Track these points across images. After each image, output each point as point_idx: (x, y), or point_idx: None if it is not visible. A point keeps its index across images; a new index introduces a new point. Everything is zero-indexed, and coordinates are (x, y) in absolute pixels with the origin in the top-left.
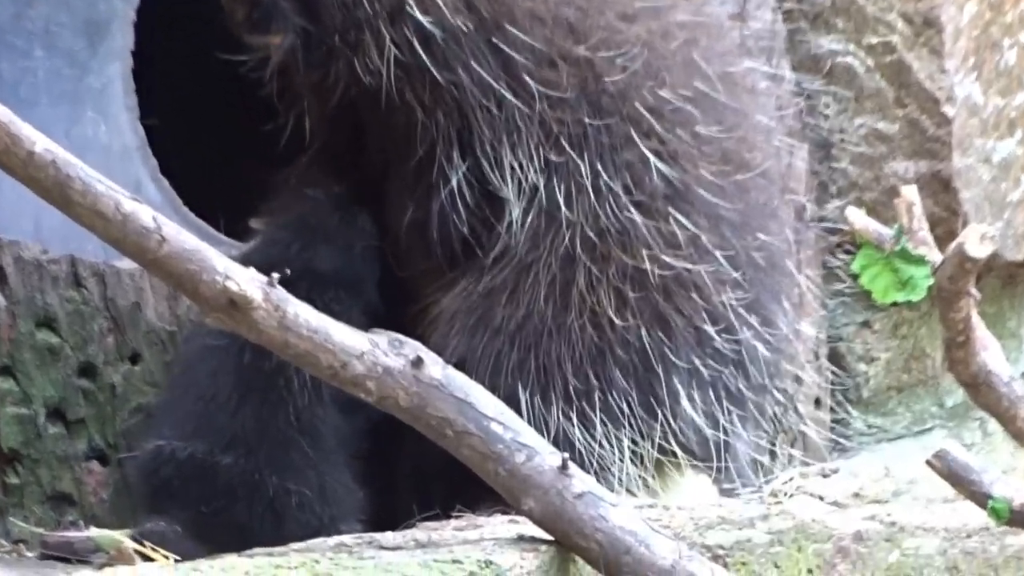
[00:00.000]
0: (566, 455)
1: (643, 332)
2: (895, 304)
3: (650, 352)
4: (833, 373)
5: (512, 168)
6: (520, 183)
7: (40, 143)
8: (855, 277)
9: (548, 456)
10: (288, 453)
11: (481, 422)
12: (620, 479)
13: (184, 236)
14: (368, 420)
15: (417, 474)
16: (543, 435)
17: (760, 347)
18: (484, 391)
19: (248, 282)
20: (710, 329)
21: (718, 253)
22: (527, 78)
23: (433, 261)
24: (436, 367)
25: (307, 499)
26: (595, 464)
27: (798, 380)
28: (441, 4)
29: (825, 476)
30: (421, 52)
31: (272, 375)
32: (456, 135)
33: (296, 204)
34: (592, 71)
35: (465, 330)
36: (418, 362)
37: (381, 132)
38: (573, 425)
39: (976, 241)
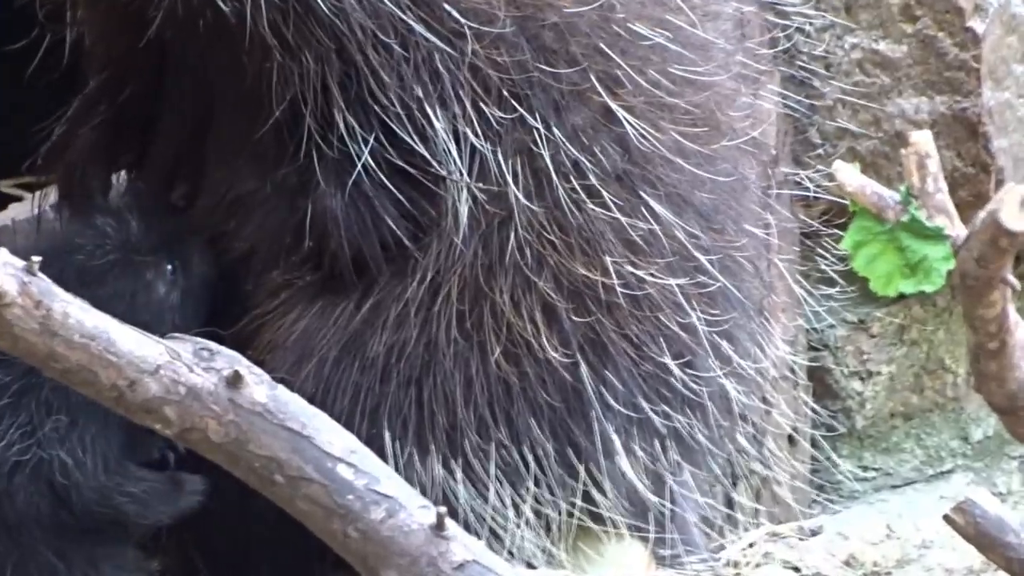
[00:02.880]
0: (442, 510)
1: (575, 365)
2: (901, 297)
3: (581, 391)
4: (814, 395)
5: (442, 130)
6: (455, 149)
7: None
8: (845, 260)
9: (417, 511)
10: None
11: (323, 463)
12: (516, 548)
13: None
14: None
15: (233, 540)
16: None
17: (730, 385)
18: (328, 420)
19: None
20: (668, 362)
21: (689, 255)
22: (446, 6)
23: (302, 270)
24: (260, 387)
25: None
26: (485, 529)
27: (767, 406)
28: None
29: (803, 539)
30: None
31: None
32: (338, 86)
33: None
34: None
35: (326, 362)
36: (236, 379)
37: (213, 81)
38: (457, 482)
39: (1015, 208)
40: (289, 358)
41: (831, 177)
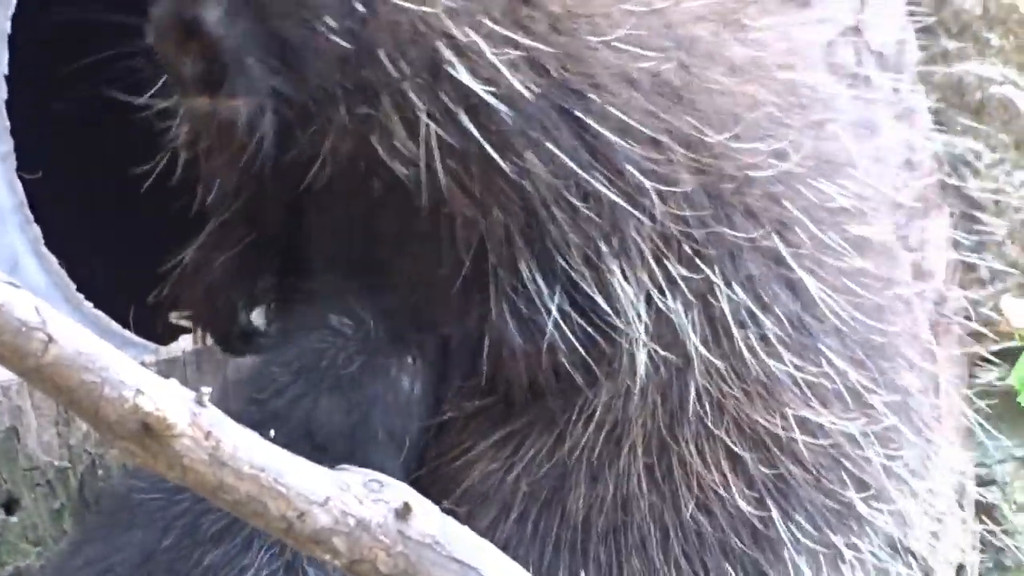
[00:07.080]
0: None
1: (764, 509)
2: None
3: (771, 534)
4: (984, 531)
5: (624, 284)
6: (634, 305)
7: None
8: (1016, 393)
9: None
10: None
11: None
12: None
13: (79, 335)
14: None
15: None
16: None
17: (913, 509)
18: (496, 552)
19: (168, 400)
20: (851, 496)
21: (868, 399)
22: (628, 167)
23: (471, 399)
24: (429, 518)
25: None
26: None
27: (935, 539)
28: (493, 59)
29: None
30: (472, 128)
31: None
32: (521, 236)
33: (308, 333)
34: (727, 161)
35: (528, 517)
36: (405, 511)
37: (368, 218)
38: None
39: None
40: (490, 511)
41: (1000, 312)
